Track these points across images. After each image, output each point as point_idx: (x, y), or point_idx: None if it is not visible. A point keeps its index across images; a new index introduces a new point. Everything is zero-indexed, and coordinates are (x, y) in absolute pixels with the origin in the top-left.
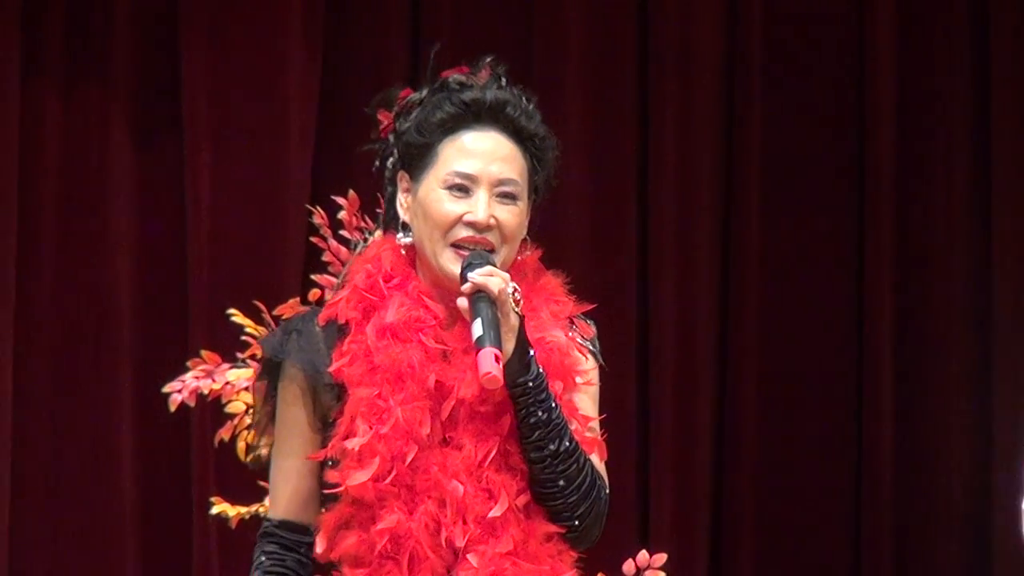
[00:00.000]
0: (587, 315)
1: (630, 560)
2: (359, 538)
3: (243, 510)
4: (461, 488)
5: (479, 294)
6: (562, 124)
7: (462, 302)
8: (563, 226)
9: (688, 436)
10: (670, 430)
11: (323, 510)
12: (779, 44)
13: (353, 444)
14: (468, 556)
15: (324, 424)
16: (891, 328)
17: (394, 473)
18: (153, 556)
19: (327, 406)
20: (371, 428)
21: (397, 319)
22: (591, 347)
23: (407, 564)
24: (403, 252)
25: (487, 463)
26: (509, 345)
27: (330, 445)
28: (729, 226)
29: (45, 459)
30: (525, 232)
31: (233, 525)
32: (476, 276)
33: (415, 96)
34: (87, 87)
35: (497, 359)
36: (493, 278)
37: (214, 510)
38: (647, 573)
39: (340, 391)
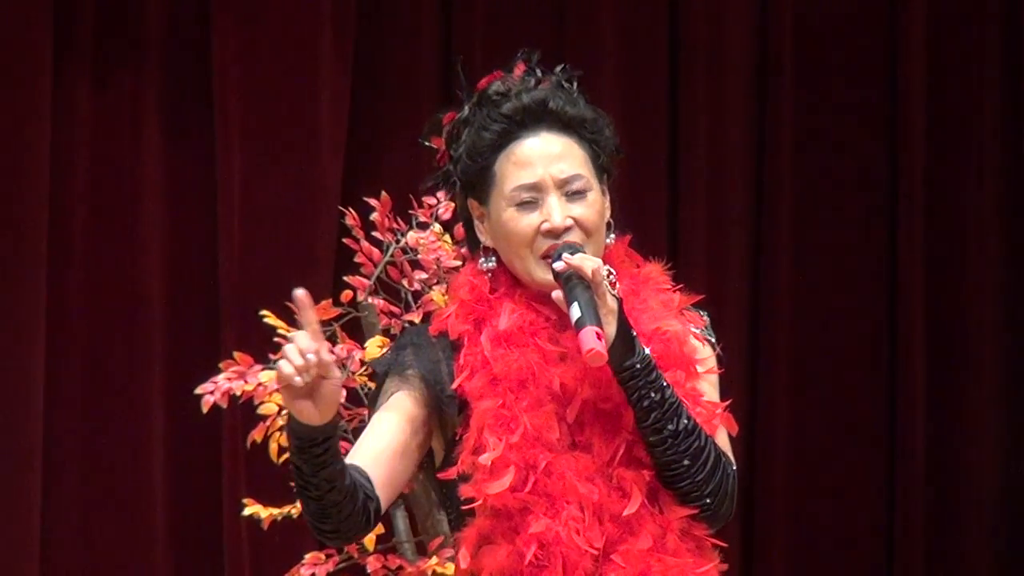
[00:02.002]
0: (697, 305)
1: None
2: (507, 550)
3: (275, 511)
4: (597, 491)
5: (572, 281)
6: None
7: (557, 294)
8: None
9: None
10: None
11: (462, 526)
12: (810, 43)
13: (486, 459)
14: (613, 557)
15: (448, 441)
16: (924, 327)
17: (532, 481)
18: (184, 557)
19: (451, 420)
20: (501, 440)
21: (511, 325)
22: (706, 335)
23: (561, 570)
24: (488, 277)
25: (616, 461)
26: (611, 328)
27: (460, 461)
28: (760, 226)
29: (77, 460)
30: (608, 216)
31: (265, 526)
32: (570, 257)
33: (459, 117)
34: (119, 83)
35: (599, 336)
36: (586, 261)
37: (246, 511)
38: None
39: (463, 405)
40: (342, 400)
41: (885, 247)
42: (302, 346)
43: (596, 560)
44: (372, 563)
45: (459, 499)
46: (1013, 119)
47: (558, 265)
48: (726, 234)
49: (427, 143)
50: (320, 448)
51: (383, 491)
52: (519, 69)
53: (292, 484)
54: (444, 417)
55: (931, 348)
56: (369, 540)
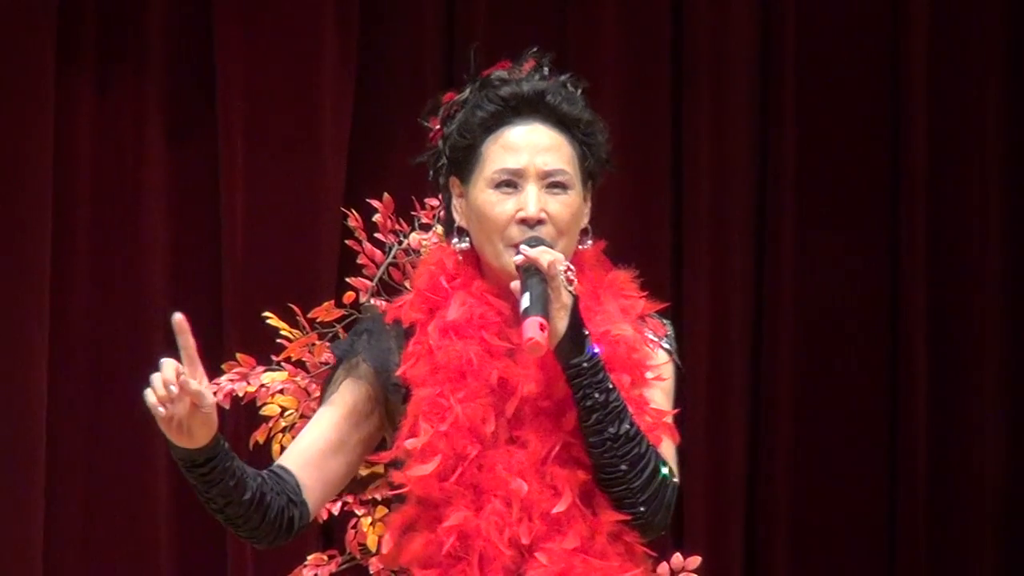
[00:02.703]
0: (662, 314)
1: (664, 563)
2: (427, 539)
3: None
4: (525, 486)
5: (529, 271)
6: None
7: (515, 284)
8: (596, 231)
9: (722, 438)
10: (704, 433)
11: (388, 511)
12: (812, 45)
13: (412, 443)
14: (536, 554)
15: (394, 427)
16: (926, 330)
17: (459, 472)
18: (188, 562)
19: (396, 408)
20: (433, 427)
21: (459, 317)
22: (666, 345)
23: (477, 563)
24: (460, 258)
25: (551, 459)
26: (561, 323)
27: (395, 446)
28: (764, 230)
29: (79, 462)
30: (584, 222)
31: None
32: (527, 249)
33: (458, 98)
34: (122, 85)
35: (542, 327)
36: (544, 254)
37: None
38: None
39: (406, 393)
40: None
41: (888, 248)
42: (166, 376)
43: (521, 555)
44: (375, 564)
45: (391, 483)
46: (1017, 118)
47: (517, 259)
48: (729, 236)
49: (424, 121)
50: (204, 468)
51: (314, 493)
52: (528, 65)
53: None
54: (391, 406)
55: (934, 348)
56: (372, 541)
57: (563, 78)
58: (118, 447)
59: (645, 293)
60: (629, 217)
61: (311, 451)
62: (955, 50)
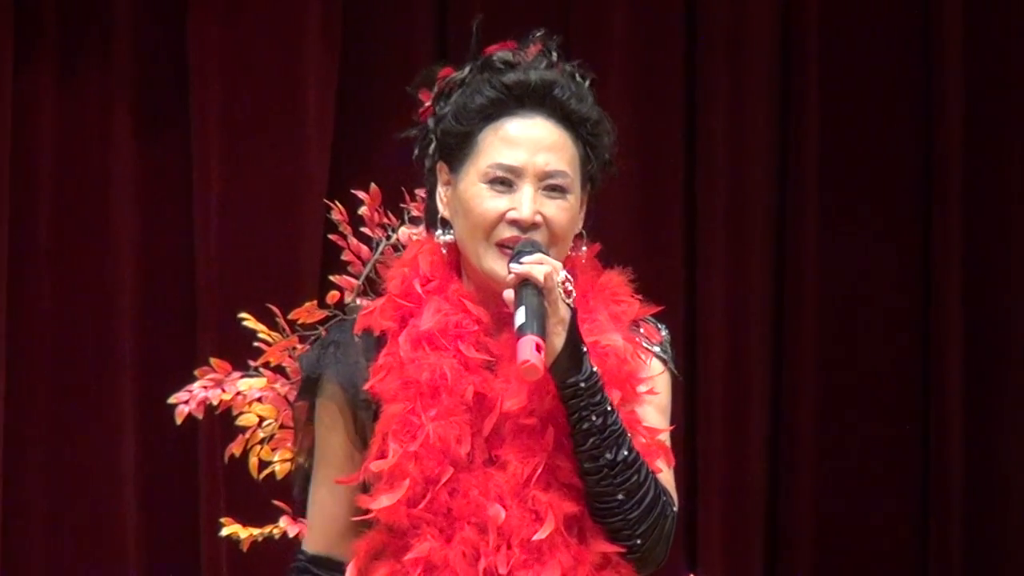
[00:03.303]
0: (657, 318)
1: None
2: (391, 569)
3: (255, 532)
4: (503, 513)
5: (525, 283)
6: None
7: (508, 294)
8: (606, 223)
9: (740, 447)
10: (720, 442)
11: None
12: (837, 24)
13: (379, 466)
14: None
15: (364, 446)
16: (960, 332)
17: (429, 497)
18: (157, 573)
19: (365, 426)
20: (402, 448)
21: (433, 326)
22: (661, 353)
23: None
24: (444, 252)
25: (533, 481)
26: (558, 340)
27: (362, 468)
28: (784, 223)
29: (41, 475)
30: (579, 227)
31: (244, 548)
32: (519, 265)
33: (456, 76)
34: (86, 72)
35: (538, 348)
36: (540, 266)
37: (224, 532)
38: None
39: (377, 409)
40: None
41: (920, 246)
42: None
43: None
44: None
45: (356, 509)
46: None
47: (510, 278)
48: (747, 230)
49: (414, 93)
50: None
51: None
52: (534, 48)
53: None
54: (360, 421)
55: (969, 356)
56: None
57: (571, 68)
58: (83, 458)
59: (640, 296)
60: (639, 211)
61: (339, 525)
62: (992, 28)
